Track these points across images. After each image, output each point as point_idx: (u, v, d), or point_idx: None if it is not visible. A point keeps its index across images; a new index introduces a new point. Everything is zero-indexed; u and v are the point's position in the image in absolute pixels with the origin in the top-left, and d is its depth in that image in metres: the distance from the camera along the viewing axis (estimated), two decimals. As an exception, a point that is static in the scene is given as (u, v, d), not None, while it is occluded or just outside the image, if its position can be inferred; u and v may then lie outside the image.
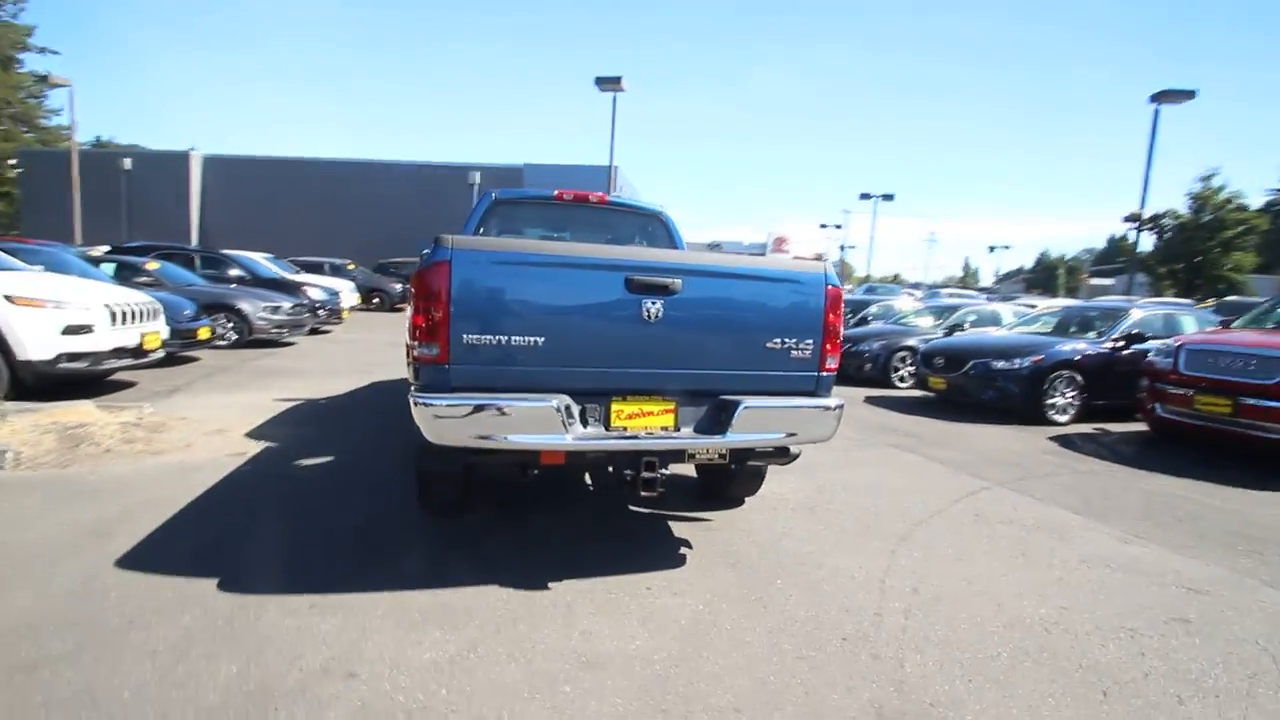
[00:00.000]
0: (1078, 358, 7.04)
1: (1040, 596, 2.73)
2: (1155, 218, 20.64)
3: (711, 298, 2.60)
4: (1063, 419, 6.94)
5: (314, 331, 11.63)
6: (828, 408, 2.73)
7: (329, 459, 4.20)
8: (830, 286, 2.74)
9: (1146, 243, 24.82)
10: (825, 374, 2.78)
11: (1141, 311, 7.88)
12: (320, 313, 11.89)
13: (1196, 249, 22.80)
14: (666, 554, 2.99)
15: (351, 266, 20.15)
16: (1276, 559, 3.28)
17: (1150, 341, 7.06)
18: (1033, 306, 12.41)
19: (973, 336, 8.81)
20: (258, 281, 11.45)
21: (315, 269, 17.22)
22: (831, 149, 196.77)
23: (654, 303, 2.50)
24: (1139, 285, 22.37)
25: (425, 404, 2.32)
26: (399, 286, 19.42)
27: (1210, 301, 19.66)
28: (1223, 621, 2.57)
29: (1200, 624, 2.54)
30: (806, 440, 2.73)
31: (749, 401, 2.59)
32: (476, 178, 25.97)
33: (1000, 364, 7.16)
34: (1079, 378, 7.00)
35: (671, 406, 2.61)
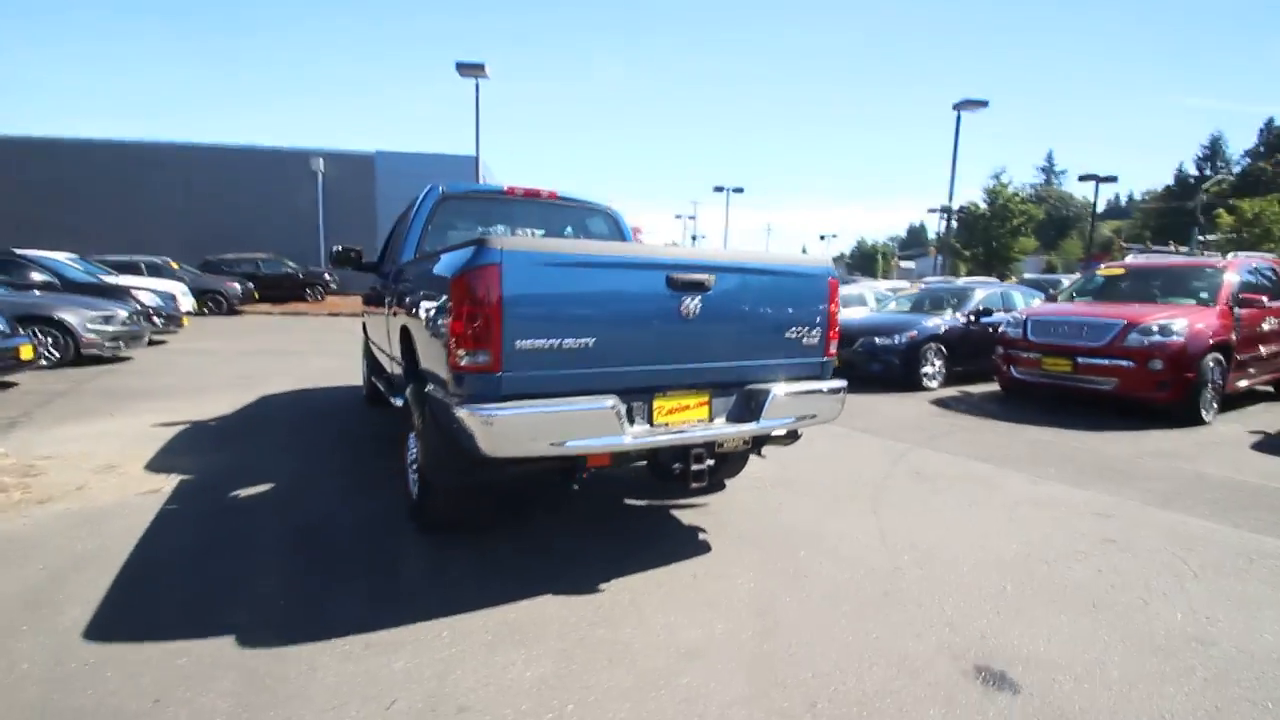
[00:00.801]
0: (942, 331, 8.14)
1: (1004, 536, 3.21)
2: (950, 209, 24.22)
3: (738, 292, 2.71)
4: (933, 385, 8.00)
5: (150, 343, 9.96)
6: (836, 390, 2.97)
7: (268, 487, 3.70)
8: (831, 279, 2.98)
9: (936, 226, 28.95)
10: (828, 359, 3.02)
11: (984, 290, 9.29)
12: (156, 320, 10.22)
13: (992, 235, 27.53)
14: (688, 542, 3.06)
15: (175, 265, 17.41)
16: (1143, 484, 4.12)
17: (996, 315, 8.39)
18: (896, 290, 14.11)
19: (855, 317, 9.81)
20: (69, 287, 9.54)
21: (129, 269, 14.64)
22: (676, 144, 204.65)
23: (692, 299, 2.55)
24: (940, 266, 26.07)
25: (483, 414, 2.18)
26: (237, 287, 17.16)
27: (1012, 279, 23.44)
28: (1138, 538, 3.21)
29: (1124, 542, 3.16)
30: (822, 421, 2.96)
31: (777, 389, 2.75)
32: (320, 164, 23.73)
33: (882, 340, 8.08)
34: (943, 349, 8.12)
35: (706, 399, 2.69)
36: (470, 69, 18.71)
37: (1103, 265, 8.69)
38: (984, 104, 22.76)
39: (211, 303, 16.59)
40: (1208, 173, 70.44)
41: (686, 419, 2.64)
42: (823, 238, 65.33)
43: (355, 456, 4.38)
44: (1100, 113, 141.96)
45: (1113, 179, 33.30)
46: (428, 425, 2.75)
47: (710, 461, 2.64)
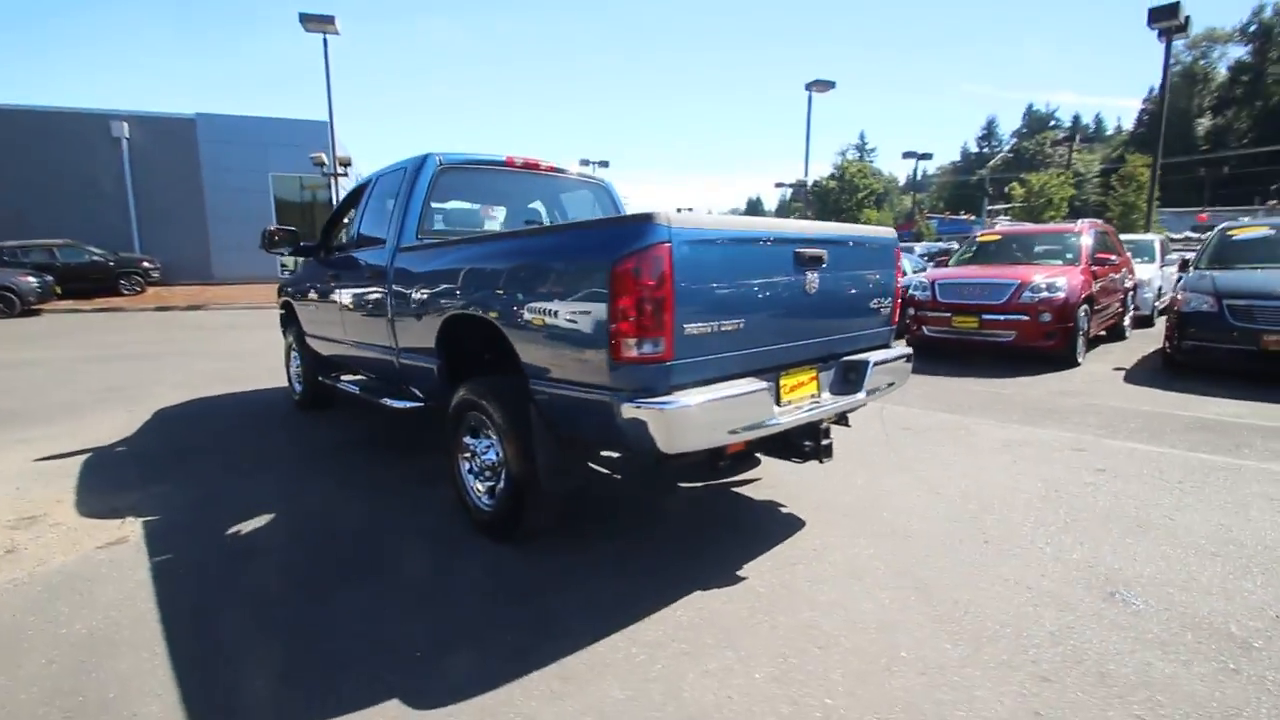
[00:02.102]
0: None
1: (1023, 477, 3.61)
2: (805, 183, 26.33)
3: (841, 265, 2.72)
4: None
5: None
6: (909, 356, 3.13)
7: (267, 517, 3.11)
8: (896, 247, 3.11)
9: (778, 199, 31.33)
10: (893, 326, 3.16)
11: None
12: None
13: (842, 207, 30.41)
14: (777, 520, 3.08)
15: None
16: (1080, 419, 4.84)
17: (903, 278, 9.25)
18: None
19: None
20: None
21: None
22: (515, 113, 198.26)
23: (812, 274, 2.52)
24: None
25: (665, 408, 1.99)
26: (33, 281, 13.97)
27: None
28: (1117, 466, 3.77)
29: (1112, 471, 3.69)
30: (897, 389, 3.09)
31: (874, 358, 2.82)
32: (125, 129, 19.84)
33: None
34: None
35: (815, 374, 2.70)
36: (317, 22, 16.59)
37: (979, 232, 9.93)
38: (832, 84, 24.70)
39: (1, 302, 13.36)
40: (985, 150, 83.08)
41: (804, 395, 2.63)
42: (679, 209, 67.13)
43: (346, 468, 3.82)
44: (897, 97, 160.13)
45: (929, 156, 38.20)
46: (534, 428, 2.48)
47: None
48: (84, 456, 4.09)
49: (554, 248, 2.29)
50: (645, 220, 2.00)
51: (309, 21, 16.59)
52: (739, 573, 2.51)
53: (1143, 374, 6.71)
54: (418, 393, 3.62)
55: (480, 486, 2.88)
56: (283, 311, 5.69)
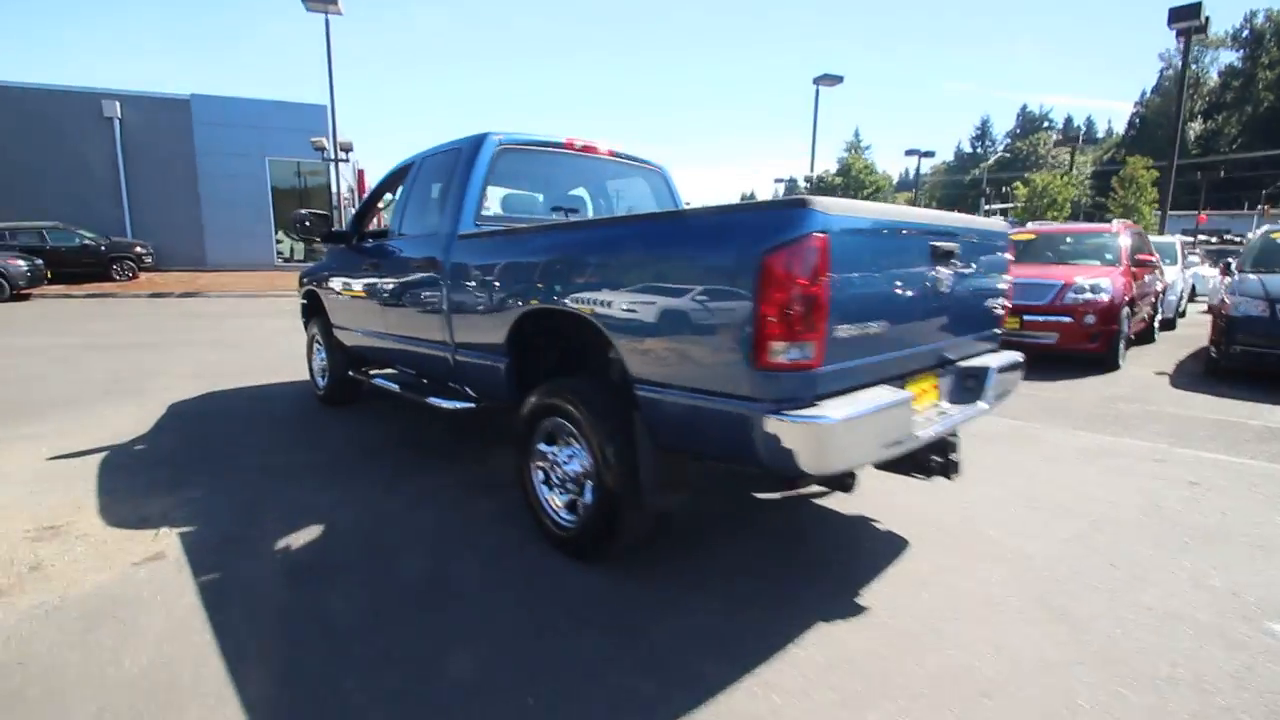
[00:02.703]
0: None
1: (1115, 490, 3.40)
2: (811, 178, 26.11)
3: (967, 259, 2.47)
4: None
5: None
6: (1021, 364, 2.89)
7: (318, 529, 2.83)
8: (1011, 245, 2.87)
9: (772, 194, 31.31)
10: (1002, 329, 2.92)
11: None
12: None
13: None
14: (869, 540, 2.84)
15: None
16: (1146, 427, 4.64)
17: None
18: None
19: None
20: None
21: None
22: (499, 90, 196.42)
23: (945, 268, 2.28)
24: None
25: (817, 422, 1.73)
26: (22, 264, 13.46)
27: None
28: (1206, 479, 3.57)
29: (1205, 484, 3.49)
30: (1010, 397, 2.86)
31: (995, 364, 2.58)
32: (117, 108, 19.32)
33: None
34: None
35: (935, 381, 2.45)
36: (319, 1, 16.07)
37: (1013, 232, 9.73)
38: (840, 79, 24.43)
39: (-14, 285, 12.86)
40: (979, 150, 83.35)
41: (927, 405, 2.38)
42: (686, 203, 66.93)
43: (390, 472, 3.53)
44: (886, 95, 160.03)
45: (931, 154, 38.06)
46: (637, 438, 2.23)
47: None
48: (100, 455, 3.77)
49: (680, 236, 2.01)
50: (798, 206, 1.74)
51: (311, 1, 16.08)
52: (858, 600, 2.28)
53: (1188, 379, 6.55)
54: (470, 392, 3.36)
55: (558, 500, 2.62)
56: (304, 302, 5.37)
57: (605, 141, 3.78)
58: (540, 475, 2.70)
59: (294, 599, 2.26)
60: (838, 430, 1.75)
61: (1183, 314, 11.75)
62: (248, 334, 9.37)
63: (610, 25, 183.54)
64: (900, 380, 2.24)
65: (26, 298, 13.81)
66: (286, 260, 23.43)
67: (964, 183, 69.08)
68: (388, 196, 4.46)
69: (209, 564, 2.48)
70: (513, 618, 2.16)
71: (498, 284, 2.80)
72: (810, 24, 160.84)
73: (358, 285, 4.24)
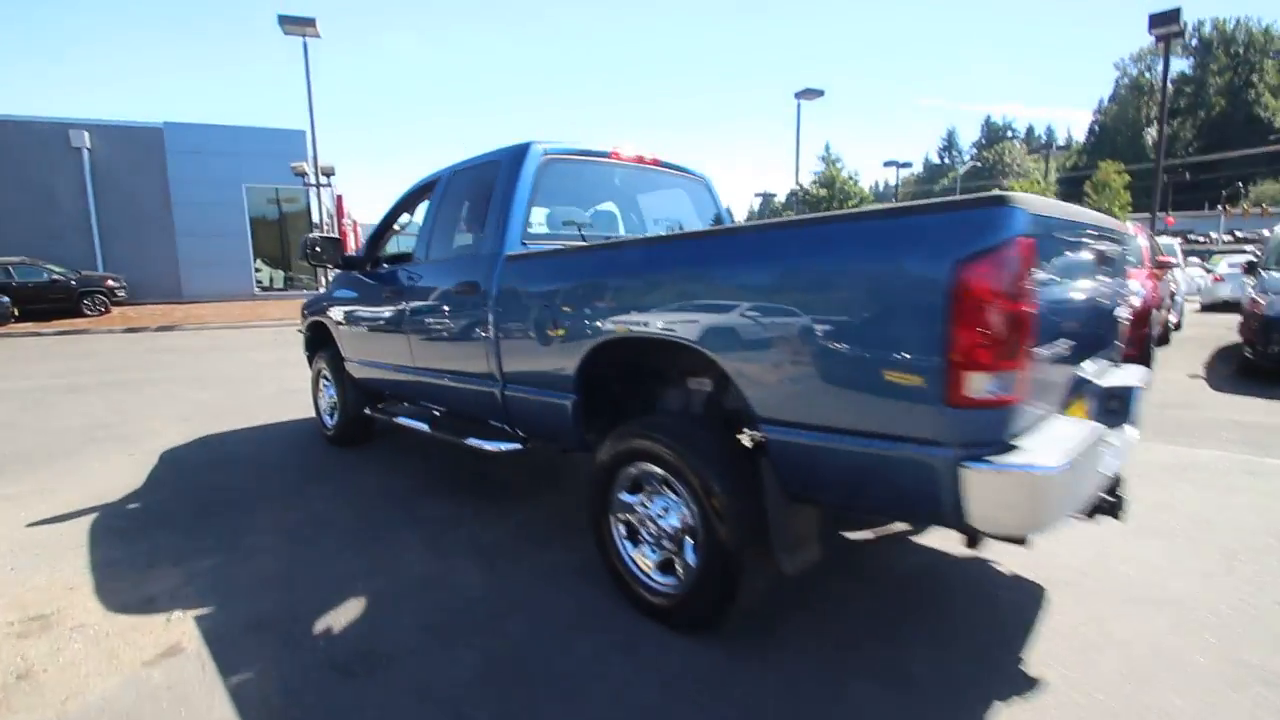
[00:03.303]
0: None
1: (1225, 510, 3.12)
2: (797, 191, 26.31)
3: (1114, 263, 2.18)
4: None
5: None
6: (1150, 379, 2.60)
7: (360, 606, 2.42)
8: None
9: (750, 208, 31.38)
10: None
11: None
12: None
13: None
14: (999, 589, 2.51)
15: None
16: (1220, 436, 4.40)
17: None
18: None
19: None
20: None
21: None
22: (487, 122, 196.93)
23: (1102, 276, 1.99)
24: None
25: (1033, 472, 1.40)
26: (5, 300, 12.74)
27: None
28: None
29: (1322, 498, 3.23)
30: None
31: (1136, 381, 2.29)
32: (86, 138, 18.70)
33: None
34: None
35: (1083, 405, 2.14)
36: (297, 24, 15.76)
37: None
38: (820, 93, 24.64)
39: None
40: (945, 161, 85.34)
41: (1087, 434, 2.07)
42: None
43: (428, 525, 3.12)
44: (851, 107, 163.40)
45: (909, 165, 38.63)
46: (766, 488, 1.88)
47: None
48: (89, 519, 3.31)
49: (838, 245, 1.66)
50: (999, 203, 1.42)
51: (288, 24, 15.72)
52: (1024, 668, 1.93)
53: (1225, 381, 6.38)
54: (517, 431, 2.98)
55: (648, 559, 2.25)
56: (308, 334, 4.95)
57: (649, 150, 3.47)
58: (621, 529, 2.33)
59: (354, 705, 1.85)
60: (1058, 480, 1.42)
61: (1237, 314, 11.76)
62: (234, 369, 8.85)
63: (578, 48, 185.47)
64: (1065, 404, 1.93)
65: (-8, 337, 13.07)
66: (265, 289, 22.75)
67: (934, 192, 70.51)
68: (405, 218, 4.09)
69: (238, 660, 2.06)
70: (633, 713, 1.77)
71: (564, 310, 2.45)
72: (774, 39, 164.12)
73: (376, 314, 3.86)
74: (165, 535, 3.07)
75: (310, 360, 4.98)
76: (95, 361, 9.74)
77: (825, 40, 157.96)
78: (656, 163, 3.53)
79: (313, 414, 5.08)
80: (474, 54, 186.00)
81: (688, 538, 2.10)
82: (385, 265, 4.06)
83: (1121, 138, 68.93)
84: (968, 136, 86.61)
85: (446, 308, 3.18)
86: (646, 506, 2.20)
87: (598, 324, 2.29)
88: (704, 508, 1.98)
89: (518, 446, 2.99)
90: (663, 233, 3.54)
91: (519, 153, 2.95)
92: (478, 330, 2.92)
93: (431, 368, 3.39)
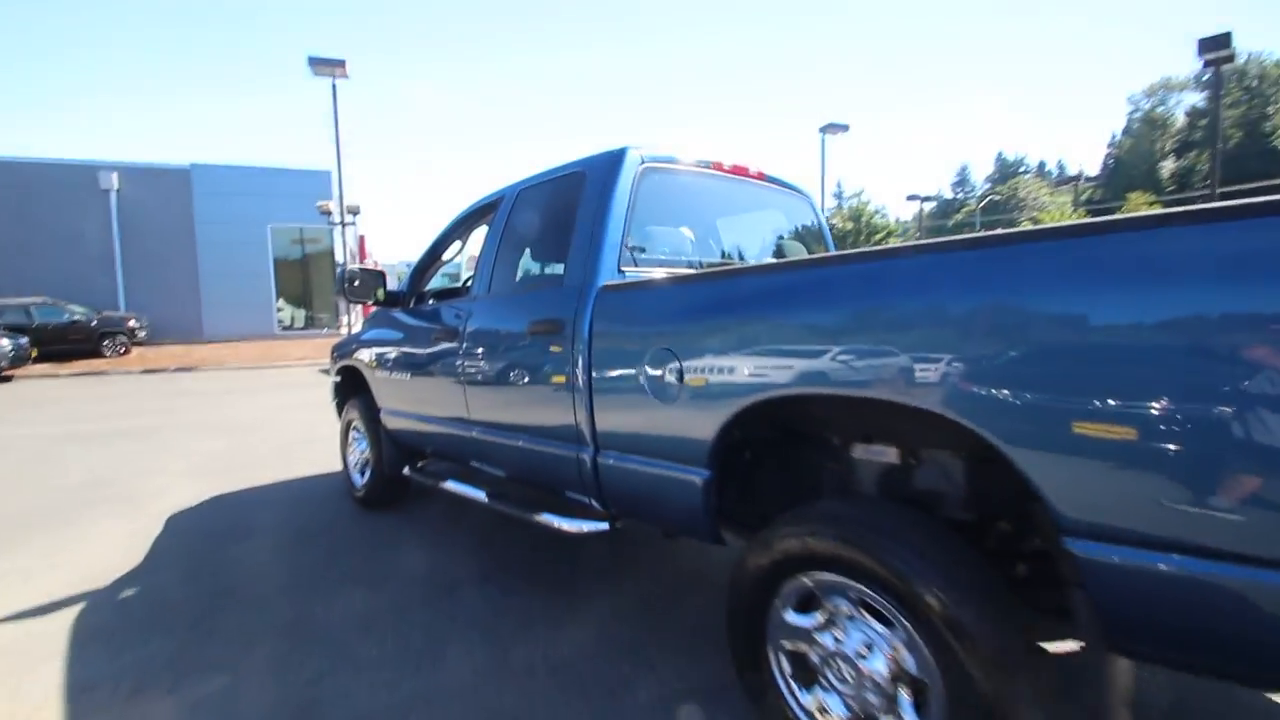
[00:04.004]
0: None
1: None
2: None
3: None
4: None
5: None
6: None
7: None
8: None
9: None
10: None
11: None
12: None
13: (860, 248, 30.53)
14: None
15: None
16: None
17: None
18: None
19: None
20: None
21: None
22: (502, 155, 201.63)
23: None
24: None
25: None
26: (5, 344, 12.48)
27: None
28: None
29: None
30: None
31: None
32: (114, 180, 18.78)
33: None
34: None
35: None
36: (326, 65, 15.84)
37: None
38: (845, 128, 24.47)
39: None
40: (959, 195, 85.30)
41: None
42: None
43: (496, 627, 2.45)
44: (867, 140, 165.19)
45: (931, 198, 38.39)
46: (1089, 634, 1.22)
47: None
48: (73, 612, 2.69)
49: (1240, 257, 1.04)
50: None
51: (318, 66, 15.79)
52: None
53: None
54: (601, 507, 2.35)
55: (836, 712, 1.56)
56: (338, 379, 4.38)
57: (752, 162, 2.91)
58: (786, 666, 1.66)
59: None
60: None
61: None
62: (251, 413, 8.32)
63: (595, 89, 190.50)
64: None
65: (8, 379, 12.77)
66: (287, 329, 22.57)
67: (948, 227, 70.19)
68: (454, 247, 3.55)
69: None
70: None
71: (699, 355, 1.83)
72: (783, 67, 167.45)
73: (421, 359, 3.27)
74: (161, 641, 2.43)
75: (339, 409, 4.41)
76: (108, 406, 9.28)
77: (834, 71, 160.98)
78: (761, 176, 2.96)
79: (339, 467, 4.48)
80: (486, 94, 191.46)
81: (904, 692, 1.43)
82: (432, 302, 3.50)
83: (1137, 171, 68.61)
84: (980, 171, 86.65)
85: (516, 351, 2.59)
86: (836, 639, 1.53)
87: (758, 375, 1.66)
88: (947, 652, 1.31)
89: (604, 526, 2.35)
90: (772, 259, 2.96)
91: (612, 161, 2.39)
92: (559, 380, 2.31)
93: (492, 423, 2.78)
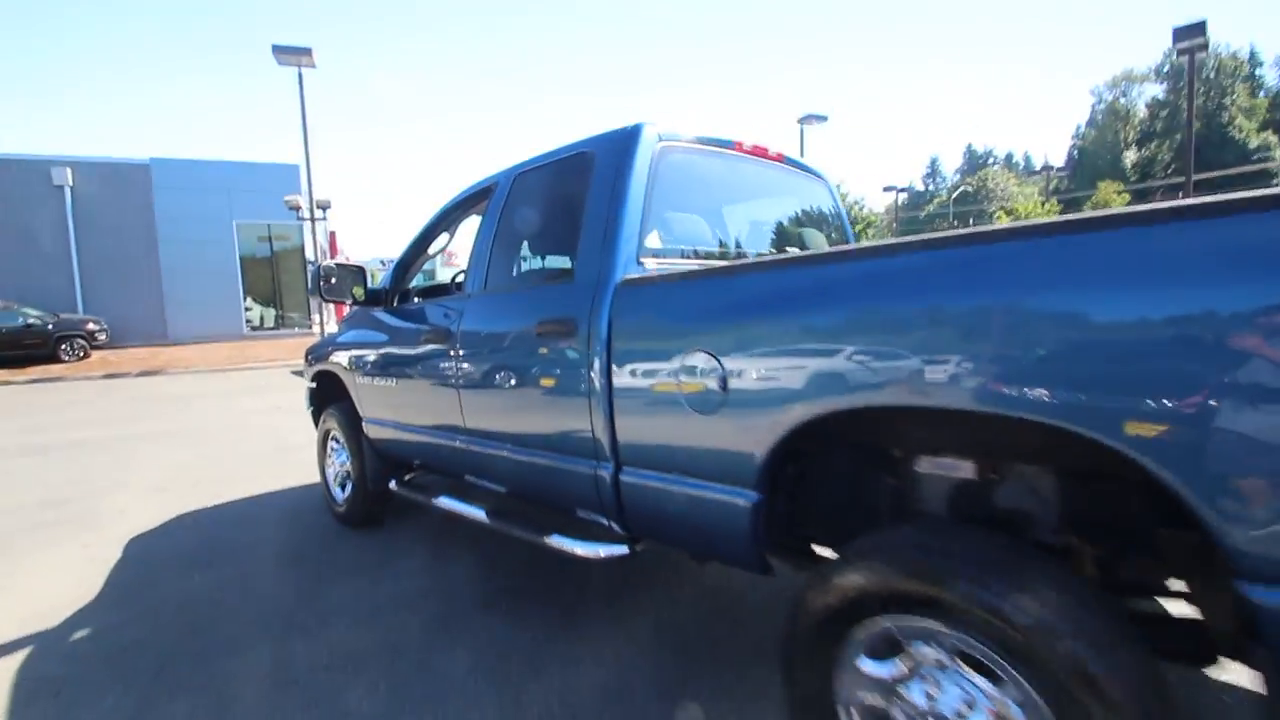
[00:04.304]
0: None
1: None
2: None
3: None
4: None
5: None
6: None
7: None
8: None
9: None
10: None
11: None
12: None
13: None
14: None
15: None
16: None
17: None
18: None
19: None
20: None
21: None
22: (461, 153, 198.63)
23: None
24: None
25: None
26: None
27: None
28: None
29: None
30: None
31: None
32: (68, 176, 17.90)
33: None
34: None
35: None
36: (291, 54, 15.19)
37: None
38: (824, 119, 24.38)
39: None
40: (930, 187, 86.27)
41: None
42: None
43: (498, 670, 2.18)
44: (839, 131, 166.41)
45: (908, 189, 38.65)
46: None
47: None
48: (17, 660, 2.36)
49: None
50: None
51: (283, 54, 15.12)
52: None
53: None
54: (618, 528, 2.09)
55: (924, 780, 1.33)
56: (313, 384, 4.05)
57: (770, 143, 2.66)
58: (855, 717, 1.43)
59: None
60: None
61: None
62: (220, 419, 7.88)
63: (567, 91, 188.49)
64: None
65: (-46, 389, 12.02)
66: (256, 329, 21.80)
67: (920, 218, 71.02)
68: (441, 239, 3.24)
69: None
70: None
71: (748, 360, 1.57)
72: (754, 58, 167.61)
73: (409, 362, 2.98)
74: (118, 697, 2.11)
75: (315, 418, 4.07)
76: (67, 414, 8.74)
77: (805, 62, 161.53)
78: (781, 158, 2.72)
79: (316, 479, 4.15)
80: (467, 93, 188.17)
81: (1014, 759, 1.20)
82: (418, 300, 3.20)
83: (1102, 161, 70.04)
84: (949, 163, 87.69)
85: (518, 354, 2.31)
86: (929, 696, 1.30)
87: (830, 383, 1.41)
88: (1078, 713, 1.09)
89: (623, 550, 2.10)
90: (794, 250, 2.72)
91: (626, 139, 2.12)
92: (573, 386, 2.04)
93: (491, 433, 2.50)
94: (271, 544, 3.50)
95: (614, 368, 1.91)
